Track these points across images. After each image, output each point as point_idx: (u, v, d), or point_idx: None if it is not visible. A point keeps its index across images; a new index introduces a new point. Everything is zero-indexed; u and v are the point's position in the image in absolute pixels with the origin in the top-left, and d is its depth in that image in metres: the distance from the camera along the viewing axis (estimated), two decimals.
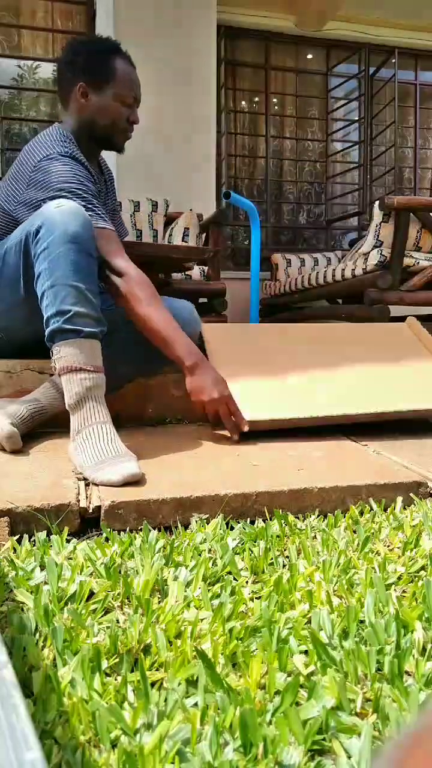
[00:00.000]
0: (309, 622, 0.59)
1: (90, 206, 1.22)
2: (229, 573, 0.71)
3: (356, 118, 4.41)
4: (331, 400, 1.33)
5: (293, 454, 1.16)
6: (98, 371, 1.09)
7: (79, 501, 0.87)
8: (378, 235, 2.50)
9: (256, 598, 0.65)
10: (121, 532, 0.85)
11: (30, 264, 1.16)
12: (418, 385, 1.40)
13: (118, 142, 1.40)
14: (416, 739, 0.20)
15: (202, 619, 0.59)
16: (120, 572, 0.68)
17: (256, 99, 4.29)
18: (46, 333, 1.09)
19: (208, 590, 0.65)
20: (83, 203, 1.21)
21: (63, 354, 1.08)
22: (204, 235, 3.10)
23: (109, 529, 0.84)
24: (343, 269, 2.71)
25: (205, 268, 2.79)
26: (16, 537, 0.81)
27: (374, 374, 1.43)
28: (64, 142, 1.29)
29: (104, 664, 0.51)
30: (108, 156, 3.58)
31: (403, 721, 0.45)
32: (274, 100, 4.32)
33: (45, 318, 1.09)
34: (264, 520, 0.90)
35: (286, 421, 1.27)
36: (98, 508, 0.86)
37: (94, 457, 1.00)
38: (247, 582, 0.69)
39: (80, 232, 1.10)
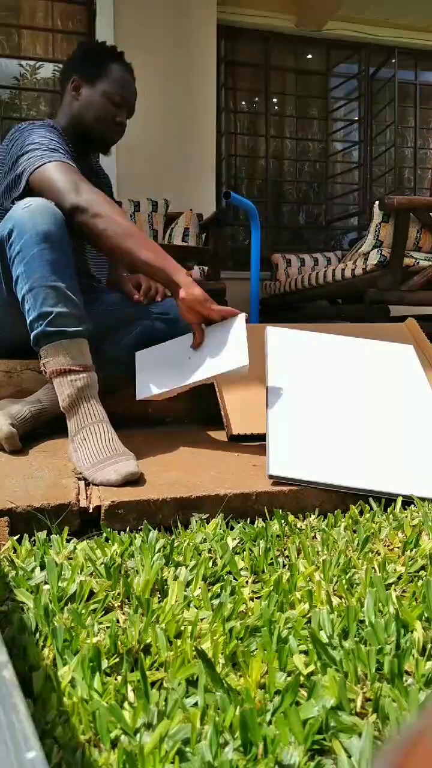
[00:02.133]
0: (309, 621, 0.59)
1: (40, 149, 1.20)
2: (229, 573, 0.71)
3: (356, 118, 4.42)
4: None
5: None
6: (88, 370, 1.07)
7: (79, 501, 0.87)
8: (378, 235, 2.50)
9: (256, 597, 0.65)
10: (121, 532, 0.85)
11: (9, 268, 1.14)
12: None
13: (102, 141, 1.38)
14: (416, 738, 0.20)
15: (202, 619, 0.59)
16: (120, 572, 0.68)
17: (256, 99, 4.29)
18: (31, 338, 1.07)
19: (208, 590, 0.65)
20: (40, 148, 1.19)
21: (50, 357, 1.06)
22: (204, 235, 3.10)
23: (109, 529, 0.84)
24: (343, 269, 2.71)
25: (205, 268, 2.79)
26: (16, 537, 0.81)
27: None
28: (43, 126, 1.30)
29: (104, 664, 0.51)
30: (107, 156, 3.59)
31: (403, 721, 0.45)
32: (274, 100, 4.32)
33: (28, 322, 1.07)
34: (264, 520, 0.90)
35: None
36: (98, 507, 0.86)
37: (93, 457, 0.99)
38: (247, 582, 0.69)
39: (52, 230, 1.07)
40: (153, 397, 1.22)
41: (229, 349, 1.14)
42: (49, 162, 1.17)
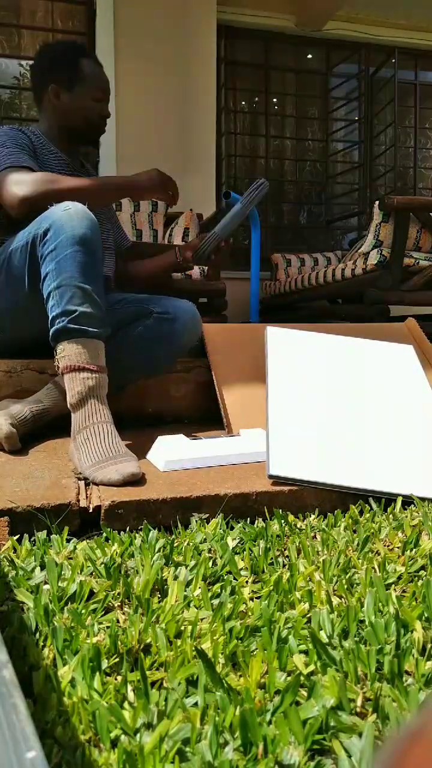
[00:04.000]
0: (309, 621, 0.59)
1: (5, 150, 1.30)
2: (229, 573, 0.71)
3: (356, 118, 4.41)
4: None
5: None
6: (101, 371, 1.09)
7: (79, 501, 0.87)
8: (378, 235, 2.50)
9: (256, 597, 0.65)
10: (121, 532, 0.85)
11: (35, 266, 1.18)
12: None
13: (93, 136, 1.48)
14: (415, 736, 0.20)
15: (202, 619, 0.59)
16: (120, 572, 0.68)
17: (256, 99, 4.29)
18: (51, 332, 1.10)
19: (208, 590, 0.65)
20: (11, 164, 1.27)
21: (66, 353, 1.08)
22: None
23: (109, 529, 0.84)
24: (343, 269, 2.71)
25: (205, 268, 2.78)
26: (16, 537, 0.81)
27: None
28: (11, 128, 1.38)
29: (104, 664, 0.51)
30: (108, 155, 3.59)
31: (403, 721, 0.45)
32: (275, 99, 4.32)
33: (50, 318, 1.10)
34: (264, 520, 0.90)
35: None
36: (98, 507, 0.86)
37: (95, 456, 1.00)
38: (247, 581, 0.69)
39: (88, 235, 1.11)
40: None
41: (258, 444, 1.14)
42: (2, 169, 1.27)
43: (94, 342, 1.09)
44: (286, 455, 1.01)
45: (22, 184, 1.24)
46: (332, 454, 1.04)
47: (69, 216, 1.12)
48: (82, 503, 0.87)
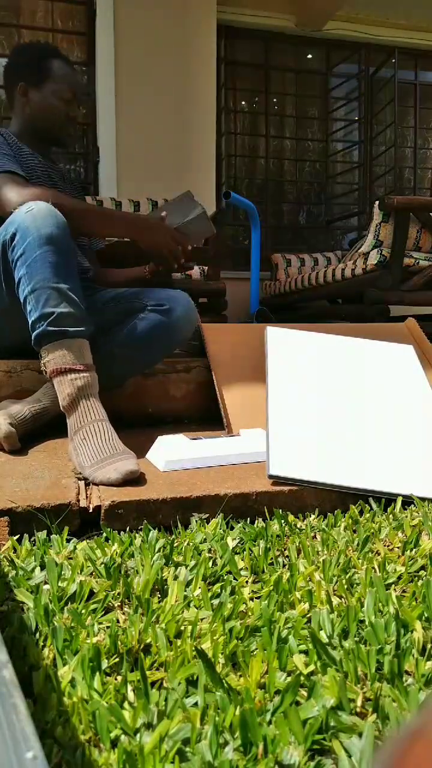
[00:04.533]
0: (309, 621, 0.59)
1: None
2: (229, 573, 0.71)
3: (356, 118, 4.41)
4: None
5: None
6: (88, 369, 1.08)
7: (79, 501, 0.87)
8: (378, 235, 2.50)
9: (256, 597, 0.65)
10: (121, 532, 0.85)
11: (10, 271, 1.16)
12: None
13: (60, 135, 1.47)
14: (415, 735, 0.20)
15: (202, 619, 0.59)
16: (120, 572, 0.68)
17: (256, 99, 4.29)
18: (32, 338, 1.09)
19: (208, 590, 0.65)
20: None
21: (51, 357, 1.07)
22: None
23: (109, 529, 0.84)
24: (343, 269, 2.71)
25: (205, 268, 2.78)
26: (16, 537, 0.81)
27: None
28: None
29: (104, 664, 0.51)
30: (108, 155, 3.59)
31: (403, 721, 0.45)
32: (274, 99, 4.32)
33: (30, 322, 1.09)
34: (264, 520, 0.90)
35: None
36: (98, 507, 0.86)
37: (93, 456, 1.00)
38: (247, 581, 0.69)
39: (55, 233, 1.10)
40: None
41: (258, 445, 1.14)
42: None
43: (77, 341, 1.08)
44: (286, 455, 1.01)
45: (21, 193, 1.22)
46: (332, 454, 1.04)
47: (33, 217, 1.10)
48: (82, 503, 0.87)
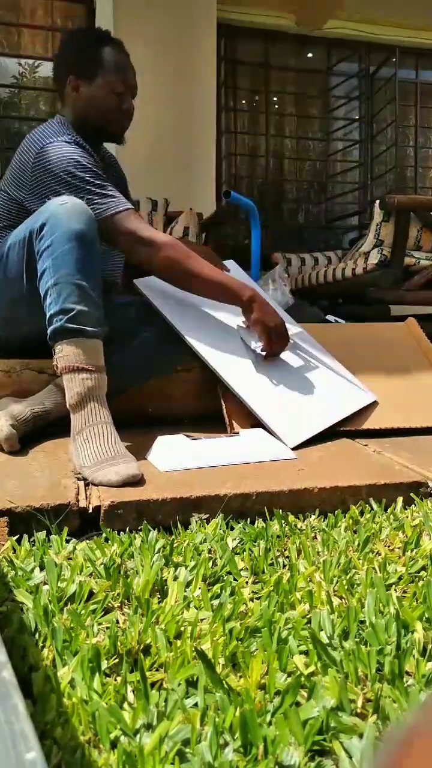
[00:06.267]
0: (309, 622, 0.59)
1: (100, 191, 1.22)
2: (229, 573, 0.71)
3: (357, 117, 4.41)
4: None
5: None
6: (100, 371, 1.08)
7: (78, 501, 0.87)
8: (378, 235, 2.50)
9: (256, 598, 0.65)
10: (121, 532, 0.85)
11: (33, 262, 1.16)
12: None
13: (114, 131, 1.38)
14: (414, 734, 0.20)
15: (202, 620, 0.59)
16: (120, 572, 0.68)
17: (257, 98, 4.28)
18: (49, 331, 1.09)
19: (208, 590, 0.65)
20: (95, 189, 1.22)
21: (65, 353, 1.07)
22: (204, 235, 3.09)
23: (108, 529, 0.83)
24: (344, 268, 2.71)
25: None
26: (16, 537, 0.81)
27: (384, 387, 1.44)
28: (65, 129, 1.31)
29: (104, 665, 0.51)
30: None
31: (402, 721, 0.45)
32: (275, 98, 4.31)
33: (48, 316, 1.09)
34: (264, 520, 0.89)
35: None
36: (98, 508, 0.86)
37: (94, 457, 0.99)
38: (247, 582, 0.69)
39: (84, 230, 1.10)
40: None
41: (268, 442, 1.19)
42: (122, 211, 1.23)
43: (92, 342, 1.09)
44: (289, 427, 1.20)
45: (156, 245, 1.22)
46: (304, 407, 1.27)
47: (66, 210, 1.10)
48: (82, 503, 0.87)
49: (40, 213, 1.14)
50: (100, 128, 1.36)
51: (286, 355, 1.37)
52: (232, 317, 1.39)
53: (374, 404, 1.39)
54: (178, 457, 1.06)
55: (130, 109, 1.38)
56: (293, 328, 1.45)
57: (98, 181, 1.24)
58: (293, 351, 1.39)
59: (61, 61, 1.36)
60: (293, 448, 1.14)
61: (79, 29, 1.40)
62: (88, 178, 1.22)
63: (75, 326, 1.07)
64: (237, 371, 1.30)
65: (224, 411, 1.33)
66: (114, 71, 1.32)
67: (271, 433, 1.18)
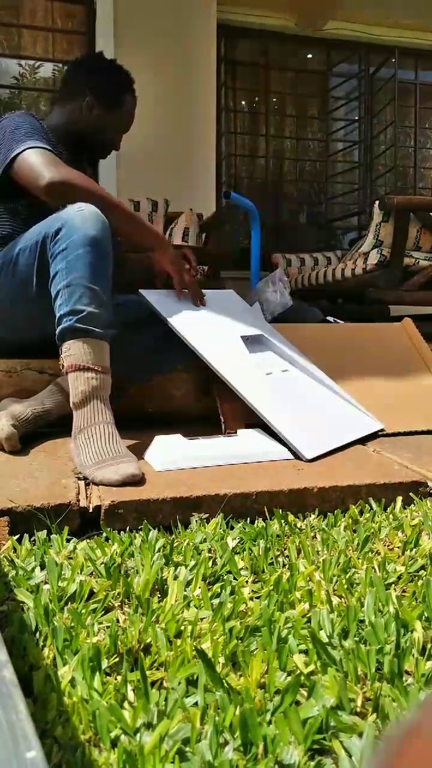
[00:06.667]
0: (309, 621, 0.59)
1: (17, 138, 1.27)
2: (229, 572, 0.71)
3: (356, 118, 4.41)
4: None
5: None
6: (105, 372, 1.10)
7: (79, 500, 0.87)
8: (378, 235, 2.50)
9: (255, 597, 0.65)
10: (121, 532, 0.85)
11: (45, 264, 1.18)
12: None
13: (96, 155, 1.54)
14: (412, 733, 0.20)
15: (202, 619, 0.59)
16: (120, 572, 0.68)
17: (256, 98, 4.28)
18: (57, 331, 1.10)
19: (208, 590, 0.65)
20: (34, 145, 1.26)
21: (72, 352, 1.09)
22: (204, 235, 3.10)
23: (109, 529, 0.84)
24: (343, 269, 2.71)
25: (205, 268, 2.78)
26: (16, 536, 0.81)
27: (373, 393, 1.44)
28: (26, 116, 1.36)
29: (104, 664, 0.51)
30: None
31: (401, 719, 0.45)
32: (274, 99, 4.32)
33: (58, 316, 1.11)
34: (264, 520, 0.90)
35: None
36: (98, 507, 0.86)
37: (95, 456, 1.00)
38: (246, 581, 0.69)
39: (99, 236, 1.12)
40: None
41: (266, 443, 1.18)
42: (27, 149, 1.25)
43: (99, 343, 1.10)
44: (304, 438, 1.15)
45: (57, 171, 1.22)
46: (318, 422, 1.24)
47: (83, 216, 1.13)
48: (82, 503, 0.87)
49: (57, 218, 1.16)
50: (88, 145, 1.49)
51: (296, 373, 1.38)
52: (236, 326, 1.40)
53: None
54: (174, 457, 1.06)
55: (118, 147, 1.55)
56: (300, 359, 1.45)
57: (28, 130, 1.29)
58: (302, 370, 1.39)
59: (89, 74, 1.43)
60: (310, 460, 1.10)
61: (117, 65, 1.47)
62: (20, 134, 1.28)
63: (84, 326, 1.08)
64: (252, 384, 1.27)
65: (220, 411, 1.33)
66: (126, 118, 1.49)
67: (286, 444, 1.14)
